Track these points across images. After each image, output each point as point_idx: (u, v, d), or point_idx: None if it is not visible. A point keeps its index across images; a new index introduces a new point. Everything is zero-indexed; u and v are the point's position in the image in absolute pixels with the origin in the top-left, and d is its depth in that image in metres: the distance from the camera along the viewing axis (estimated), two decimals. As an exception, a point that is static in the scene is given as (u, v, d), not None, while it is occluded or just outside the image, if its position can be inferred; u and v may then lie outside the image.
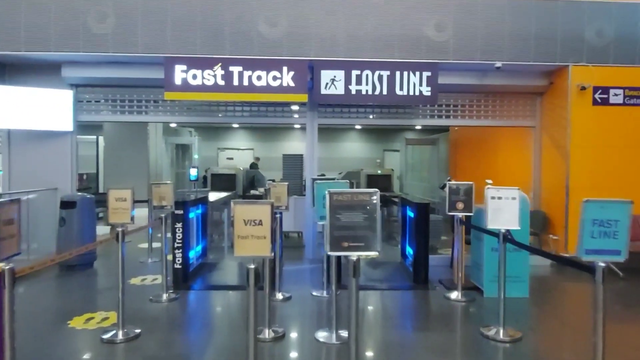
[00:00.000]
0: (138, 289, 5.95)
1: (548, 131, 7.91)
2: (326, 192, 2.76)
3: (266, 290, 4.36)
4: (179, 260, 6.01)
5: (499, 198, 4.40)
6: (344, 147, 20.24)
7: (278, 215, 5.61)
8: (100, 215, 9.82)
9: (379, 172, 13.70)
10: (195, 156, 14.37)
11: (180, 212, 5.96)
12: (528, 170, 8.35)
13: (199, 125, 17.95)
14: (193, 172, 8.42)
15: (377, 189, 2.78)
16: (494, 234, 5.17)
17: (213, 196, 9.57)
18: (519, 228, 4.43)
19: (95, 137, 13.06)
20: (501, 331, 4.36)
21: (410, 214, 6.75)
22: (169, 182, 5.55)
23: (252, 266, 2.74)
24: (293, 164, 10.12)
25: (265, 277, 4.33)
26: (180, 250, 6.00)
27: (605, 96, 7.33)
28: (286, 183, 5.59)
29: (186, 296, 5.67)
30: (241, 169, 13.66)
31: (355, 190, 2.77)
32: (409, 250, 6.89)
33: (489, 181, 6.00)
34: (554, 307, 5.35)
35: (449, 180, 5.87)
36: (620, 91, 7.34)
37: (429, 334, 4.47)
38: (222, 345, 4.18)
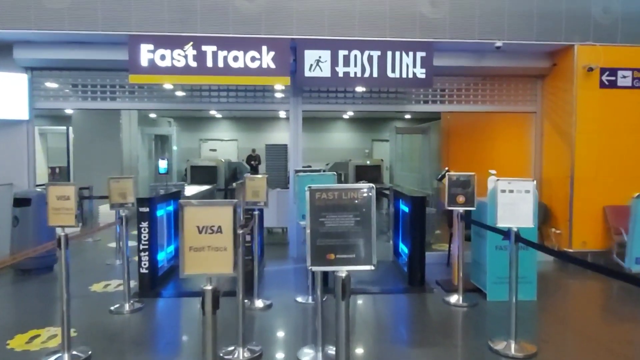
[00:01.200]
0: (99, 297, 5.26)
1: (550, 117, 7.33)
2: (306, 190, 2.11)
3: (240, 298, 3.69)
4: (145, 264, 5.32)
5: (511, 191, 3.79)
6: (331, 137, 19.58)
7: (256, 213, 4.94)
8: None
9: (368, 162, 13.09)
10: (174, 148, 13.59)
11: (146, 209, 5.26)
12: (527, 159, 7.79)
13: (179, 115, 17.16)
14: (162, 165, 7.66)
15: (372, 184, 2.13)
16: (499, 231, 4.58)
17: (190, 190, 8.86)
18: (534, 226, 3.83)
19: (65, 127, 12.20)
20: (513, 345, 3.78)
21: (405, 208, 6.13)
22: (130, 176, 4.84)
23: (209, 287, 2.08)
24: (277, 155, 9.44)
25: (239, 283, 3.67)
26: (147, 253, 5.31)
27: (613, 78, 6.76)
28: (264, 175, 4.92)
29: (153, 305, 4.99)
30: (222, 160, 12.94)
31: (343, 186, 2.12)
32: (403, 249, 6.28)
33: (493, 171, 5.40)
34: (566, 313, 4.79)
35: (447, 171, 5.25)
36: (629, 73, 6.77)
37: (430, 349, 3.86)
38: (188, 370, 3.53)
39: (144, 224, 5.27)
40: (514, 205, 3.78)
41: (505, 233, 4.78)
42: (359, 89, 7.01)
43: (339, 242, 2.12)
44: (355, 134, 19.78)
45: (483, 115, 9.72)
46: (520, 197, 3.78)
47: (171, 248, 6.41)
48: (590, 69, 6.59)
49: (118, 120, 10.86)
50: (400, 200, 6.44)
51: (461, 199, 5.01)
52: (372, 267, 2.14)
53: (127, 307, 4.79)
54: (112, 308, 4.78)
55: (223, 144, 19.44)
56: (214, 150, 19.05)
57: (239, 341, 3.71)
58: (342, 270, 2.12)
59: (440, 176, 5.66)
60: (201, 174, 12.05)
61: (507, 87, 7.50)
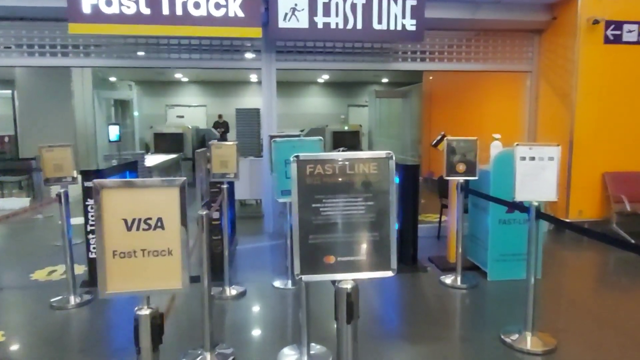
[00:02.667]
0: (40, 287, 4.47)
1: (547, 76, 6.72)
2: (292, 161, 1.38)
3: (205, 285, 2.98)
4: (94, 248, 4.52)
5: (532, 159, 3.15)
6: (305, 102, 18.67)
7: (225, 187, 4.19)
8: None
9: (346, 128, 12.40)
10: (135, 113, 12.49)
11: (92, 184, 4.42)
12: (519, 124, 7.22)
13: (142, 79, 15.90)
14: (113, 132, 6.72)
15: (391, 152, 1.42)
16: (504, 203, 3.99)
17: (152, 160, 7.99)
18: (557, 199, 3.22)
19: (10, 92, 10.95)
20: (529, 337, 3.23)
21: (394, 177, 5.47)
22: (67, 144, 3.98)
23: (146, 311, 1.36)
24: (248, 120, 8.60)
25: (204, 270, 2.96)
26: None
27: (619, 33, 6.15)
28: (234, 142, 4.15)
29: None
30: (189, 127, 11.98)
31: (349, 154, 1.40)
32: (391, 222, 5.67)
33: (497, 135, 4.78)
34: (578, 293, 4.30)
35: (444, 136, 4.59)
36: (635, 27, 6.18)
37: (431, 345, 3.27)
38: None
39: (91, 201, 4.45)
40: (534, 175, 3.15)
41: (510, 205, 4.19)
42: (341, 44, 6.21)
43: (343, 238, 1.42)
44: (331, 99, 18.92)
45: (469, 77, 9.07)
46: (543, 165, 3.15)
47: (129, 226, 5.61)
48: (596, 22, 5.95)
49: (68, 83, 9.72)
50: (388, 169, 5.78)
51: (461, 167, 4.38)
52: (391, 273, 1.45)
53: (72, 300, 4.04)
54: (53, 302, 4.01)
55: (191, 110, 18.28)
56: (182, 117, 17.89)
57: (206, 345, 3.03)
58: (347, 280, 1.43)
59: (435, 142, 5.01)
60: (166, 142, 11.14)
61: (502, 43, 6.82)
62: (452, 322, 3.69)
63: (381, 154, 1.41)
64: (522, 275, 4.50)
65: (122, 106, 13.76)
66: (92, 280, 4.54)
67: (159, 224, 1.36)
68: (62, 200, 3.93)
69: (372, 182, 1.41)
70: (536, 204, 3.13)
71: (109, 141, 6.70)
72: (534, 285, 3.24)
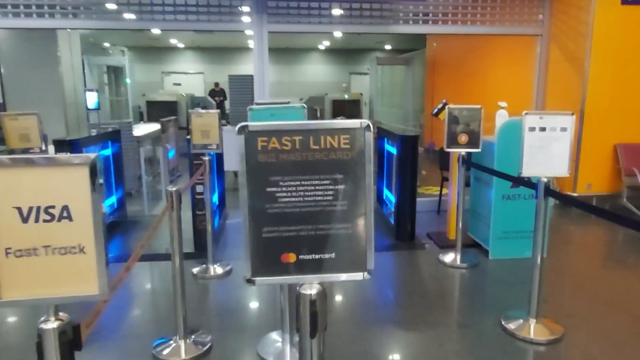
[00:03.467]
0: None
1: (559, 40, 6.26)
2: (239, 134, 1.06)
3: (176, 265, 2.71)
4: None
5: (542, 129, 2.81)
6: (306, 70, 18.12)
7: (207, 158, 3.88)
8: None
9: (346, 97, 11.95)
10: (127, 80, 12.05)
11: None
12: (528, 92, 6.80)
13: (136, 44, 15.39)
14: (91, 99, 6.33)
15: (367, 120, 1.09)
16: (508, 177, 3.67)
17: (141, 130, 7.64)
18: (568, 175, 2.90)
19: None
20: (532, 325, 2.97)
21: (391, 149, 5.15)
22: (33, 112, 3.64)
23: (52, 324, 1.07)
24: (242, 88, 8.19)
25: (174, 249, 2.68)
26: (73, 209, 4.22)
27: (638, -8, 5.67)
28: (215, 112, 3.81)
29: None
30: (184, 95, 11.58)
31: (313, 124, 1.08)
32: (389, 196, 5.38)
33: (503, 104, 4.41)
34: (586, 274, 4.02)
35: (446, 104, 4.23)
36: (657, -15, 5.69)
37: (427, 331, 3.02)
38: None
39: (66, 174, 4.15)
40: (544, 148, 2.82)
41: (516, 180, 3.87)
42: (338, 4, 5.76)
43: (305, 231, 1.12)
44: (332, 67, 18.35)
45: (475, 42, 8.60)
46: (554, 137, 2.82)
47: (112, 200, 5.34)
48: (615, -21, 5.47)
49: (54, 48, 9.27)
50: (386, 140, 5.45)
51: (464, 138, 4.04)
52: (367, 276, 1.15)
53: None
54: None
55: (188, 78, 17.80)
56: (178, 84, 17.43)
57: (179, 331, 2.78)
58: (311, 283, 1.13)
59: (436, 110, 4.64)
60: (159, 110, 10.75)
61: (510, 4, 6.33)
62: (450, 306, 3.43)
63: (355, 123, 1.09)
64: (526, 253, 4.24)
65: (116, 73, 13.32)
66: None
67: (64, 214, 1.05)
68: (30, 173, 3.62)
69: (344, 160, 1.09)
70: (545, 180, 2.81)
71: (87, 109, 6.31)
72: (539, 265, 2.95)
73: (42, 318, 1.09)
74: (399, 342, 2.90)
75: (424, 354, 2.73)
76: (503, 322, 3.06)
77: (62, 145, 4.13)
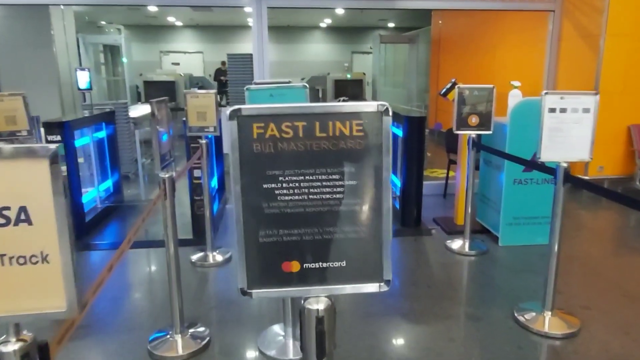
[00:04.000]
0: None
1: (573, 16, 5.99)
2: (230, 120, 0.87)
3: (170, 252, 2.55)
4: (65, 209, 4.09)
5: (563, 110, 2.61)
6: (307, 49, 17.74)
7: (204, 142, 3.68)
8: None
9: (349, 76, 11.67)
10: (124, 60, 11.76)
11: (57, 138, 3.94)
12: (539, 71, 6.55)
13: (133, 23, 15.04)
14: (82, 78, 6.10)
15: (385, 103, 0.90)
16: (521, 161, 3.48)
17: (138, 111, 7.42)
18: (590, 159, 2.70)
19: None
20: (547, 317, 2.82)
21: (397, 130, 4.94)
22: (19, 93, 3.44)
23: (13, 345, 0.90)
24: (241, 67, 7.95)
25: (168, 237, 2.52)
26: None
27: (658, -37, 5.38)
28: (212, 92, 3.60)
29: (77, 262, 3.84)
30: (182, 75, 11.31)
31: (321, 107, 0.89)
32: (394, 180, 5.20)
33: (516, 83, 4.19)
34: (601, 263, 3.86)
35: (456, 84, 4.02)
36: (678, -44, 5.39)
37: (436, 324, 2.88)
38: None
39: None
40: (565, 130, 2.62)
41: (530, 164, 3.69)
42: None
43: (310, 234, 0.94)
44: (334, 46, 17.97)
45: (482, 19, 8.30)
46: (576, 118, 2.61)
47: (108, 183, 5.17)
48: (635, -50, 5.18)
49: (47, 26, 8.99)
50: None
51: (474, 119, 3.83)
52: (384, 287, 0.98)
53: (39, 267, 3.64)
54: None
55: (187, 57, 17.45)
56: (177, 64, 17.09)
57: (175, 325, 2.64)
58: (318, 296, 0.96)
59: (444, 90, 4.42)
60: (157, 90, 10.48)
61: (522, -23, 6.04)
62: (459, 297, 3.28)
63: (370, 106, 0.90)
64: (537, 240, 4.09)
65: (112, 52, 13.00)
66: (64, 243, 4.14)
67: (22, 217, 0.88)
68: (18, 157, 3.44)
69: (356, 150, 0.91)
70: (565, 164, 2.62)
71: (78, 89, 6.08)
72: (556, 253, 2.78)
73: (1, 339, 0.92)
74: (407, 336, 2.75)
75: (433, 349, 2.59)
76: (516, 314, 2.91)
77: (53, 127, 3.94)
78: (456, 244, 4.09)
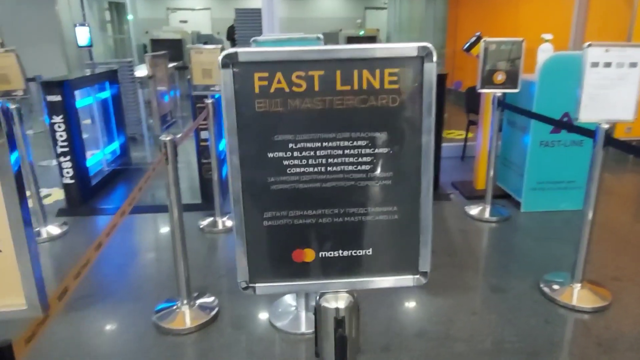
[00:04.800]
0: (12, 216, 3.98)
1: (607, -37, 5.51)
2: (222, 67, 0.65)
3: (175, 217, 2.39)
4: (68, 172, 3.96)
5: (607, 65, 2.33)
6: (319, 5, 17.07)
7: (210, 101, 3.47)
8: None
9: (362, 33, 11.21)
10: (129, 17, 11.37)
11: (57, 98, 3.74)
12: (566, 23, 6.11)
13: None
14: (82, 35, 5.81)
15: (427, 44, 0.68)
16: (550, 121, 3.21)
17: (144, 70, 7.15)
18: (634, 120, 2.44)
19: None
20: (576, 289, 2.64)
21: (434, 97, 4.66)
22: (11, 48, 3.21)
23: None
24: (250, 22, 7.56)
25: (172, 201, 2.36)
26: (69, 157, 3.92)
27: None
28: (217, 47, 3.35)
29: (82, 227, 3.74)
30: (189, 32, 10.93)
31: (345, 50, 0.67)
32: (410, 142, 4.96)
33: (547, 36, 3.86)
34: (631, 231, 3.64)
35: (480, 37, 3.70)
36: None
37: (456, 298, 2.72)
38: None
39: (57, 119, 3.80)
40: (608, 88, 2.35)
41: (562, 124, 3.43)
42: None
43: (329, 216, 0.74)
44: (346, 1, 17.26)
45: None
46: (621, 74, 2.33)
47: (114, 146, 5.02)
48: None
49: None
50: (408, 79, 4.94)
51: (500, 77, 3.54)
52: (421, 281, 0.79)
53: (43, 232, 3.54)
54: (22, 235, 3.53)
55: (195, 14, 16.92)
56: (185, 21, 16.60)
57: (182, 295, 2.52)
58: (337, 292, 0.77)
59: (468, 45, 4.10)
60: (164, 48, 10.11)
61: None
62: (481, 266, 3.11)
63: (408, 49, 0.68)
64: (562, 206, 3.87)
65: (118, 9, 12.58)
66: (70, 208, 4.03)
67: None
68: (15, 118, 3.26)
69: (389, 109, 0.70)
70: (606, 126, 2.36)
71: (78, 46, 5.81)
72: (590, 221, 2.57)
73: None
74: (426, 308, 2.60)
75: (454, 323, 2.44)
76: (541, 286, 2.74)
77: (51, 87, 3.73)
78: (476, 209, 3.89)
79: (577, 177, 3.81)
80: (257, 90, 0.68)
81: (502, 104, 3.64)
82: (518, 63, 3.50)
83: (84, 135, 4.22)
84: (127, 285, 2.89)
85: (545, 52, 3.79)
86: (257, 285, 0.76)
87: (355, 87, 0.69)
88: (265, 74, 0.67)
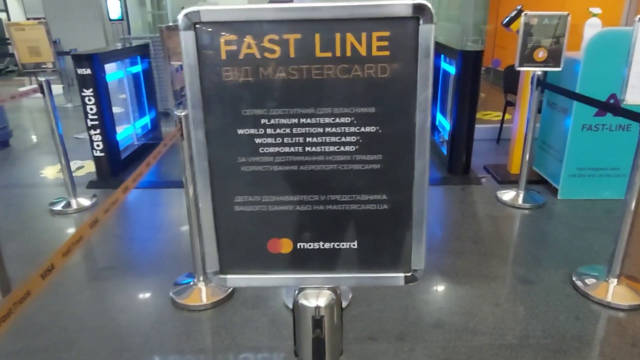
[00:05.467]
0: (47, 186, 4.11)
1: None
2: (182, 30, 0.57)
3: (190, 194, 2.37)
4: (98, 145, 4.02)
5: (661, 40, 2.09)
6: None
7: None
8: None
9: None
10: (166, -9, 11.36)
11: (87, 71, 3.77)
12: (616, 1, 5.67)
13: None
14: (113, 8, 5.82)
15: (425, 2, 0.56)
16: (596, 103, 2.98)
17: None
18: (688, 102, 2.20)
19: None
20: (612, 286, 2.47)
21: (448, 67, 4.45)
22: (40, 19, 3.22)
23: None
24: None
25: (187, 178, 2.32)
26: (99, 130, 3.97)
27: None
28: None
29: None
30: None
31: (319, 7, 0.57)
32: (442, 122, 4.77)
33: (595, 10, 3.56)
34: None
35: (521, 11, 3.44)
36: None
37: (480, 288, 2.59)
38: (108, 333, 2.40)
39: (87, 92, 3.83)
40: (661, 65, 2.12)
41: (608, 107, 3.18)
42: None
43: (308, 203, 0.65)
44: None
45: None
46: (677, 50, 2.10)
47: (145, 120, 5.06)
48: None
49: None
50: (442, 56, 4.71)
51: (541, 54, 3.30)
52: (412, 279, 0.69)
53: (73, 203, 3.62)
54: (52, 205, 3.62)
55: (232, -10, 16.79)
56: (222, -3, 16.51)
57: (197, 272, 2.51)
58: (317, 289, 0.69)
59: (507, 19, 3.84)
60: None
61: None
62: (509, 255, 2.95)
63: (401, 6, 0.57)
64: (603, 195, 3.63)
65: (156, -16, 12.62)
66: (100, 180, 4.10)
67: None
68: (45, 91, 3.30)
69: (378, 80, 0.59)
70: (656, 108, 2.15)
71: (110, 20, 5.84)
72: (632, 211, 2.37)
73: None
74: (447, 297, 2.50)
75: (476, 315, 2.32)
76: (574, 279, 2.57)
77: (81, 60, 3.76)
78: (509, 194, 3.71)
79: (622, 164, 3.55)
80: (223, 56, 0.59)
81: (542, 83, 3.40)
82: (562, 39, 3.25)
83: (115, 109, 4.26)
84: (150, 259, 2.91)
85: (592, 27, 3.50)
86: (228, 276, 0.69)
87: (338, 53, 0.59)
88: (234, 37, 0.58)
